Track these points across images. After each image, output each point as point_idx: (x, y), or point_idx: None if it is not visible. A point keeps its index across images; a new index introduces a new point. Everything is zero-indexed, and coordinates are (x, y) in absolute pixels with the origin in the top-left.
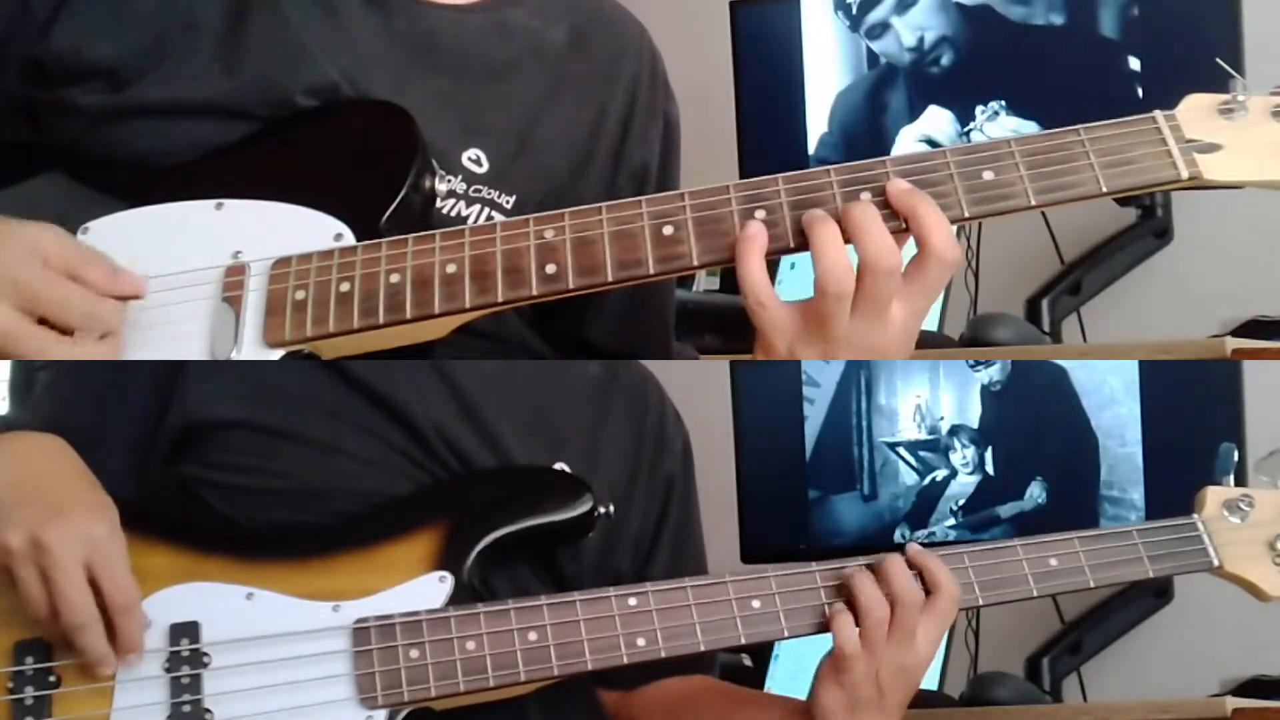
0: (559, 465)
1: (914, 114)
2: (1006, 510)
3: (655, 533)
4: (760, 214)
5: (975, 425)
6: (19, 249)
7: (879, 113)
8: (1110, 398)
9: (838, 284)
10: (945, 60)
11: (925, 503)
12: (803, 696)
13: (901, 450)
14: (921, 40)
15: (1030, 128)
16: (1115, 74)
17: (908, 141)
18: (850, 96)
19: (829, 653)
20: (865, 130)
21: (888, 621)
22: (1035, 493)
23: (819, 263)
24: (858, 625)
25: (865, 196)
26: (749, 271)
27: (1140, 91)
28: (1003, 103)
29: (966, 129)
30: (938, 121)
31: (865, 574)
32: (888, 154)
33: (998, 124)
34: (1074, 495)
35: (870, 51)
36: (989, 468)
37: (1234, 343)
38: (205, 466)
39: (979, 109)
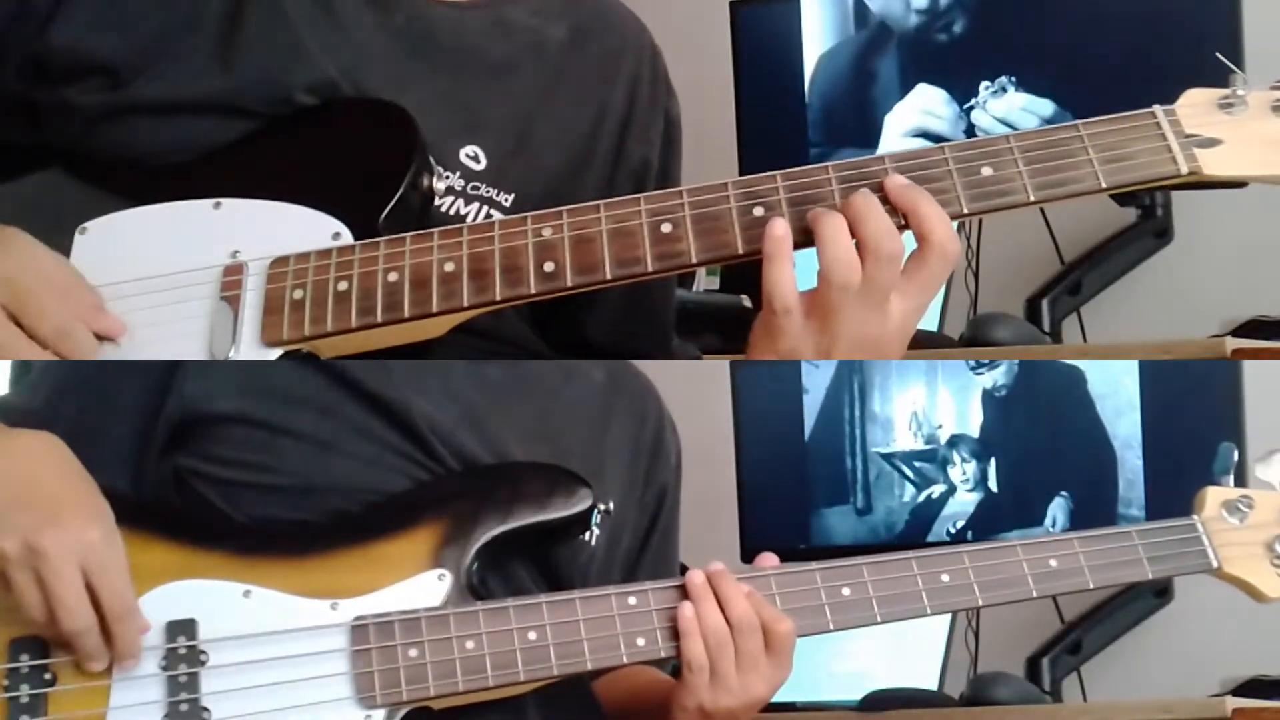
0: None
1: (906, 88)
2: (1012, 540)
3: (645, 541)
4: (759, 210)
5: (976, 435)
6: (24, 257)
7: (866, 84)
8: (1128, 403)
9: (843, 274)
10: (957, 27)
11: (920, 522)
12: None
13: (896, 462)
14: (935, 2)
15: (1044, 106)
16: (1134, 46)
17: (896, 129)
18: (834, 62)
19: (679, 684)
20: (849, 104)
21: (731, 650)
22: (1056, 517)
23: (825, 253)
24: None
25: (865, 191)
26: (780, 277)
27: (1159, 64)
28: (1012, 79)
29: (967, 106)
30: (929, 102)
31: (709, 599)
32: (874, 131)
33: (1005, 101)
34: (1092, 519)
35: (859, 7)
36: (991, 484)
37: (1234, 343)
38: (202, 459)
39: (983, 85)
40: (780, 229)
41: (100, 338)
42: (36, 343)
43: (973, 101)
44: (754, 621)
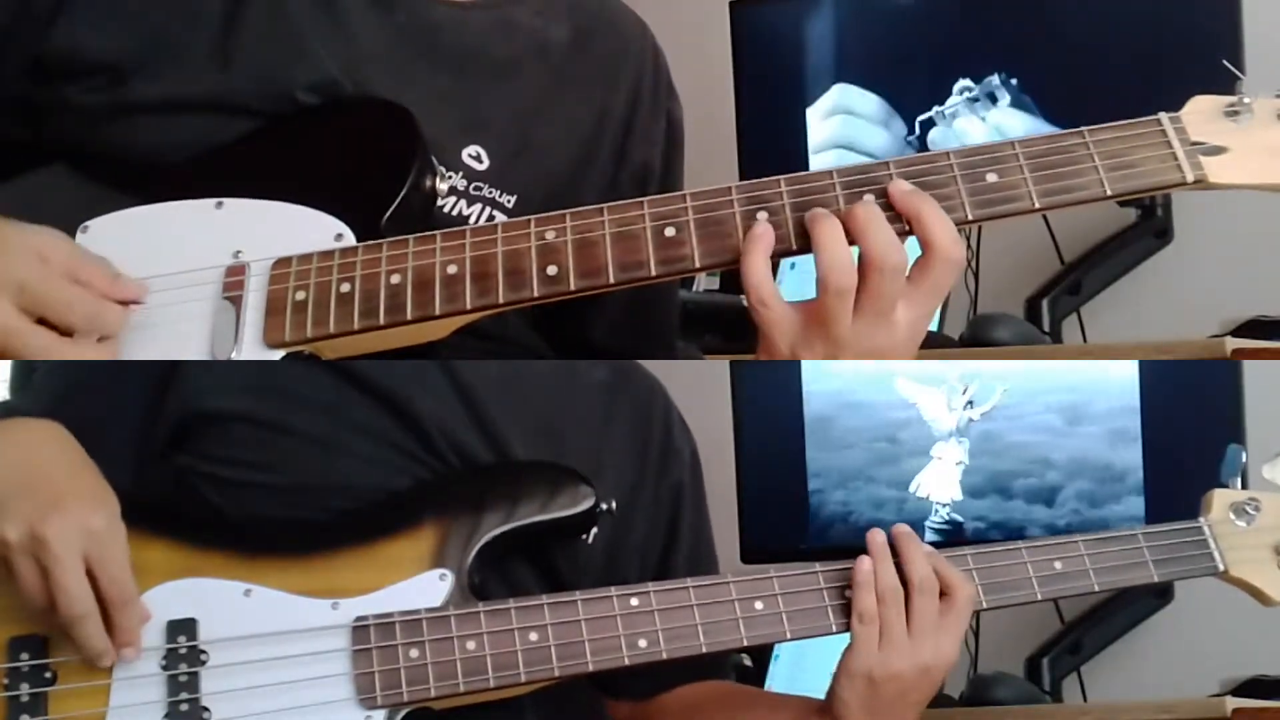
0: None
1: (838, 72)
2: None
3: (669, 543)
4: (762, 215)
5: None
6: (22, 250)
7: (791, 53)
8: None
9: (839, 280)
10: None
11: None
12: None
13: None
14: None
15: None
16: (1132, 47)
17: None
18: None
19: (848, 647)
20: (776, 79)
21: (903, 611)
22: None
23: (821, 258)
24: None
25: (868, 198)
26: (752, 271)
27: (1158, 65)
28: (1011, 80)
29: (924, 115)
30: (852, 127)
31: (887, 560)
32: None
33: (991, 119)
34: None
35: None
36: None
37: (1234, 343)
38: (203, 459)
39: (960, 84)
40: (760, 229)
41: (125, 304)
42: (72, 337)
43: (935, 110)
44: (933, 583)
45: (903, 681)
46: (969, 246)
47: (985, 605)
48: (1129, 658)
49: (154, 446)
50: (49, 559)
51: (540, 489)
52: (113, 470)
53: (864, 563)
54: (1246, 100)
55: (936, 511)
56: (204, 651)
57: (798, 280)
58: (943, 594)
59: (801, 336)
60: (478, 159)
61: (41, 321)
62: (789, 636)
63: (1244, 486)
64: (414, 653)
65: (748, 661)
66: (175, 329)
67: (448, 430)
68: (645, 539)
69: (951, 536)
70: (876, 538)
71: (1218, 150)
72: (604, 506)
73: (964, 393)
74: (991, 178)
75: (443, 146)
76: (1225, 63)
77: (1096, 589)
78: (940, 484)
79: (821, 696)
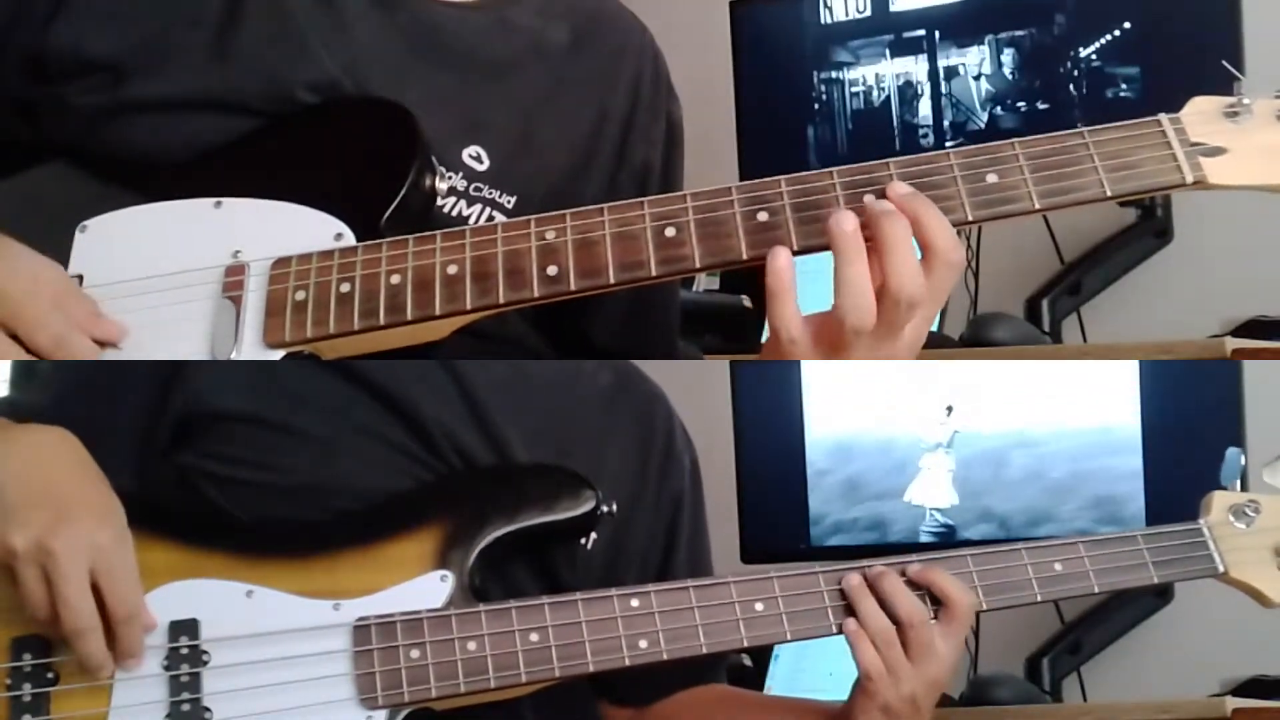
0: None
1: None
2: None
3: (668, 552)
4: (763, 215)
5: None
6: (17, 267)
7: (795, 52)
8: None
9: (859, 321)
10: None
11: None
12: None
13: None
14: None
15: None
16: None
17: None
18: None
19: (860, 686)
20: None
21: (900, 644)
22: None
23: (843, 298)
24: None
25: (869, 199)
26: (784, 313)
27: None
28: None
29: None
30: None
31: (868, 598)
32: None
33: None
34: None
35: None
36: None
37: (1234, 343)
38: (206, 458)
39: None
40: (783, 260)
41: (100, 343)
42: (35, 355)
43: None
44: (922, 614)
45: (915, 698)
46: (969, 247)
47: (985, 607)
48: (1129, 658)
49: (156, 446)
50: (55, 571)
51: (542, 491)
52: (115, 470)
53: (850, 624)
54: (1246, 101)
55: (931, 517)
56: (206, 652)
57: (797, 281)
58: (942, 605)
59: (811, 350)
60: (478, 159)
61: (15, 338)
62: (789, 637)
63: (1243, 489)
64: (415, 653)
65: (748, 662)
66: (174, 329)
67: (449, 431)
68: (644, 546)
69: (945, 539)
70: (851, 580)
71: (1217, 151)
72: (604, 509)
73: (949, 412)
74: (992, 178)
75: (443, 146)
76: (1225, 63)
77: (1096, 590)
78: (931, 492)
79: (821, 697)
